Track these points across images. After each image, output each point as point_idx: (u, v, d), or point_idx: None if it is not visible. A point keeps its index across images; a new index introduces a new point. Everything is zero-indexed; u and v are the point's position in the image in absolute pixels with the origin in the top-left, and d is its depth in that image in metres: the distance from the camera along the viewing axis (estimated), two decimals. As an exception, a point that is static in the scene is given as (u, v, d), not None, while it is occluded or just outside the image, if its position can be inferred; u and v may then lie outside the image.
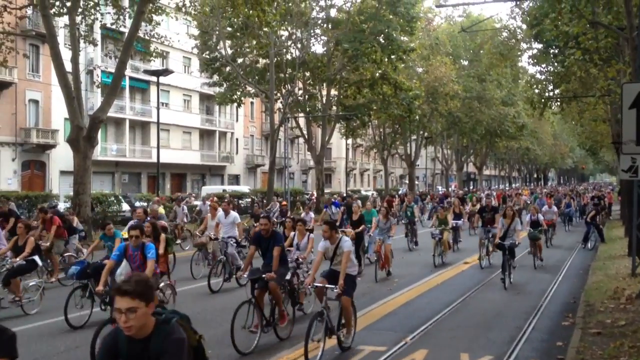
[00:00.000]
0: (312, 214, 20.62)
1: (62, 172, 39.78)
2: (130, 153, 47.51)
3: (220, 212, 14.90)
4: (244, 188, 47.76)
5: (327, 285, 8.48)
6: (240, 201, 37.25)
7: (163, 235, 10.81)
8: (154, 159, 31.19)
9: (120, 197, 30.89)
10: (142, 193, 39.51)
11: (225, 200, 17.55)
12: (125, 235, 10.53)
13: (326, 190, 46.93)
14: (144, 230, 9.61)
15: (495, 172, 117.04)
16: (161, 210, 18.45)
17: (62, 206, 26.09)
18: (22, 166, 39.18)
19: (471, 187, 77.72)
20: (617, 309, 10.54)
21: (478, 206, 23.90)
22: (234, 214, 14.71)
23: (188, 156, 53.45)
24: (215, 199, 19.65)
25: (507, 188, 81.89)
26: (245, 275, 9.68)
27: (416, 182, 68.60)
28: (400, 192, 57.90)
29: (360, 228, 15.97)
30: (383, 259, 15.32)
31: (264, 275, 9.07)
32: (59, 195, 30.82)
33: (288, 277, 9.90)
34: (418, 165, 66.74)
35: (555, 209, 24.48)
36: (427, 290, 13.68)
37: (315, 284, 8.60)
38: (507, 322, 10.48)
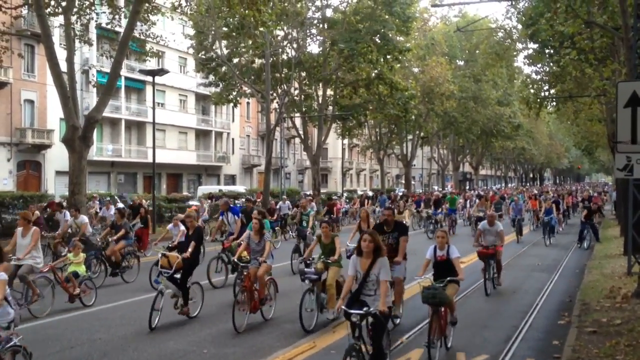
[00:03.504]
0: (181, 226, 14.25)
1: (58, 172, 39.67)
2: (126, 153, 47.43)
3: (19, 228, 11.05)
4: (240, 188, 47.69)
5: None
6: (236, 201, 37.09)
7: None
8: (150, 159, 31.07)
9: (116, 197, 30.80)
10: (137, 193, 39.40)
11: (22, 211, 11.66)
12: None
13: (322, 190, 46.86)
14: None
15: (491, 172, 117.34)
16: None
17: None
18: (17, 166, 39.08)
19: (448, 188, 65.55)
20: (613, 308, 10.56)
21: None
22: (33, 230, 10.85)
23: (184, 156, 53.40)
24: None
25: (499, 187, 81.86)
26: None
27: (412, 182, 68.56)
28: (396, 191, 57.80)
29: (190, 250, 10.52)
30: (256, 295, 10.02)
31: None
32: (55, 196, 30.70)
33: None
34: (414, 165, 66.69)
35: (500, 227, 13.90)
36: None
37: None
38: (503, 321, 10.49)
